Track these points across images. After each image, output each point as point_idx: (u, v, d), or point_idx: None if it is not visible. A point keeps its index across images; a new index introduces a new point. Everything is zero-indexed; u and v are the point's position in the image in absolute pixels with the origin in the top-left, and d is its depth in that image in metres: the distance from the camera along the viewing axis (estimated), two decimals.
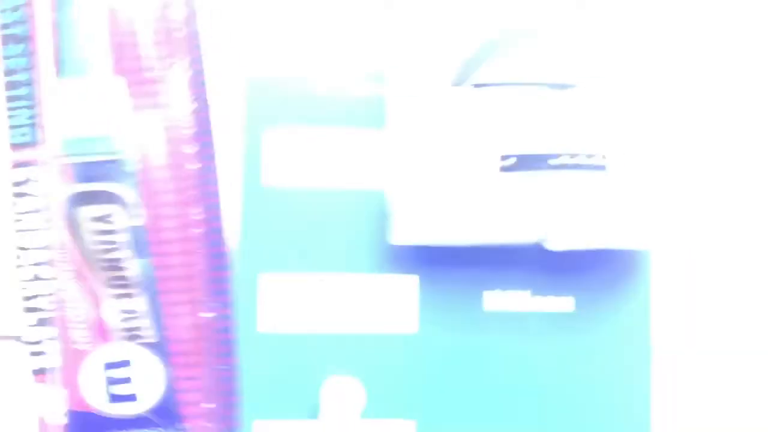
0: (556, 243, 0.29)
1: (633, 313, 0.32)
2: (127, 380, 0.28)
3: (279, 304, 0.30)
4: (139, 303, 0.28)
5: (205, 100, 0.30)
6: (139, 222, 0.28)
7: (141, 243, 0.28)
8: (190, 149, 0.30)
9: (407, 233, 0.29)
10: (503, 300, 0.31)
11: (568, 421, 0.31)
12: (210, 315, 0.30)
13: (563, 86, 0.29)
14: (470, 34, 0.29)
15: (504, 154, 0.28)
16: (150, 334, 0.28)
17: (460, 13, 0.29)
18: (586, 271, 0.31)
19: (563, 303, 0.31)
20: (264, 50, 0.31)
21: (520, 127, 0.29)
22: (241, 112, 0.30)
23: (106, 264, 0.28)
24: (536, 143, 0.29)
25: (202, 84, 0.30)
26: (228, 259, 0.30)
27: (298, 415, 0.30)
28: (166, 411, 0.28)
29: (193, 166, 0.30)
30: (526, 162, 0.28)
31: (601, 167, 0.28)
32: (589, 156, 0.28)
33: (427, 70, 0.29)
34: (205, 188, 0.30)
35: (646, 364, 0.31)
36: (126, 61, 0.29)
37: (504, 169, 0.28)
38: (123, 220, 0.28)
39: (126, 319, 0.28)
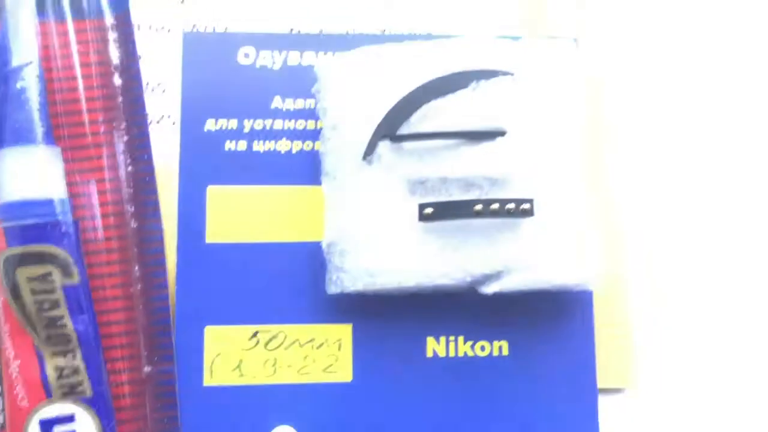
0: (487, 287, 0.31)
1: (574, 353, 0.32)
2: None
3: (223, 357, 0.31)
4: (79, 360, 0.29)
5: (146, 161, 0.31)
6: (78, 281, 0.29)
7: (80, 301, 0.29)
8: (130, 208, 0.31)
9: (340, 283, 0.30)
10: (439, 346, 0.32)
11: None
12: (152, 369, 0.30)
13: (489, 134, 0.30)
14: (397, 85, 0.30)
15: (422, 203, 0.29)
16: (90, 390, 0.29)
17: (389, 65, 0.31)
18: (521, 313, 0.32)
19: (497, 347, 0.32)
20: (202, 110, 0.33)
21: (443, 176, 0.30)
22: (183, 173, 0.32)
23: (45, 322, 0.28)
24: (460, 191, 0.30)
25: (142, 146, 0.31)
26: (169, 314, 0.31)
27: None
28: None
29: (134, 224, 0.31)
30: (448, 210, 0.29)
31: (529, 213, 0.30)
32: (516, 203, 0.29)
33: (355, 121, 0.30)
34: (145, 245, 0.31)
35: (593, 403, 0.32)
36: (66, 127, 0.30)
37: (423, 218, 0.29)
38: (61, 279, 0.28)
39: (66, 376, 0.28)
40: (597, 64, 0.35)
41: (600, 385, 0.32)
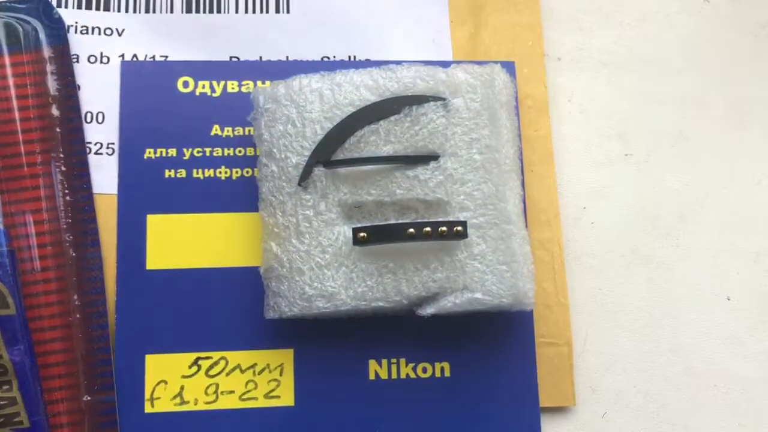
0: (424, 310, 0.31)
1: (516, 373, 0.32)
2: None
3: (164, 385, 0.32)
4: (15, 390, 0.29)
5: (85, 190, 0.32)
6: (14, 311, 0.29)
7: (15, 331, 0.29)
8: (69, 238, 0.31)
9: (278, 307, 0.31)
10: (381, 369, 0.33)
11: None
12: (92, 398, 0.31)
13: (422, 159, 0.31)
14: (330, 112, 0.31)
15: (356, 227, 0.30)
16: (27, 421, 0.29)
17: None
18: (462, 334, 0.32)
19: (439, 368, 0.33)
20: (141, 138, 0.34)
21: (378, 200, 0.31)
22: (121, 202, 0.33)
23: None
24: (396, 215, 0.31)
25: (81, 176, 0.32)
26: (109, 343, 0.31)
27: None
28: None
29: (72, 253, 0.32)
30: (381, 234, 0.30)
31: (462, 235, 0.30)
32: (449, 226, 0.30)
33: (290, 147, 0.31)
34: (84, 274, 0.31)
35: (536, 423, 0.32)
36: (1, 159, 0.31)
37: (357, 242, 0.30)
38: None
39: (2, 407, 0.29)
40: (539, 85, 0.36)
41: (542, 403, 0.33)
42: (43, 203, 0.31)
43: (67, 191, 0.32)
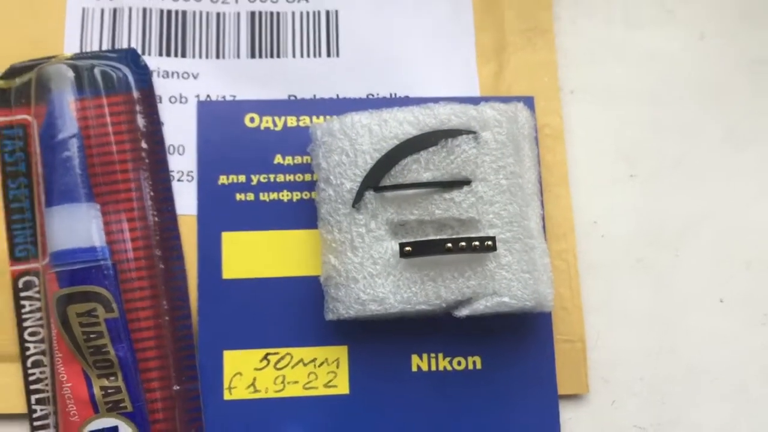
0: (460, 312, 0.37)
1: (537, 365, 0.38)
2: None
3: (239, 376, 0.38)
4: (120, 381, 0.35)
5: (170, 212, 0.38)
6: (117, 315, 0.35)
7: (119, 331, 0.35)
8: (158, 252, 0.37)
9: (336, 310, 0.36)
10: (422, 362, 0.38)
11: None
12: (180, 387, 0.37)
13: (457, 184, 0.36)
14: (378, 144, 0.36)
15: (402, 242, 0.35)
16: (130, 406, 0.35)
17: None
18: (491, 332, 0.38)
19: (471, 362, 0.39)
20: (215, 167, 0.40)
21: (419, 219, 0.36)
22: (201, 221, 0.39)
23: (91, 350, 0.34)
24: (435, 231, 0.37)
25: (166, 199, 0.38)
26: (193, 341, 0.37)
27: None
28: None
29: (161, 266, 0.37)
30: (423, 248, 0.35)
31: (492, 248, 0.36)
32: (480, 240, 0.36)
33: (344, 175, 0.37)
34: (171, 283, 0.37)
35: (555, 409, 0.38)
36: (104, 185, 0.37)
37: (403, 255, 0.35)
38: (104, 313, 0.34)
39: (110, 394, 0.34)
40: (555, 116, 0.42)
41: (560, 391, 0.38)
42: (137, 223, 0.37)
43: (155, 213, 0.38)
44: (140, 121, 0.38)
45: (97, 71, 0.38)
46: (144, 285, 0.37)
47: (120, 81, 0.38)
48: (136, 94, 0.38)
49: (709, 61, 0.43)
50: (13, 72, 0.38)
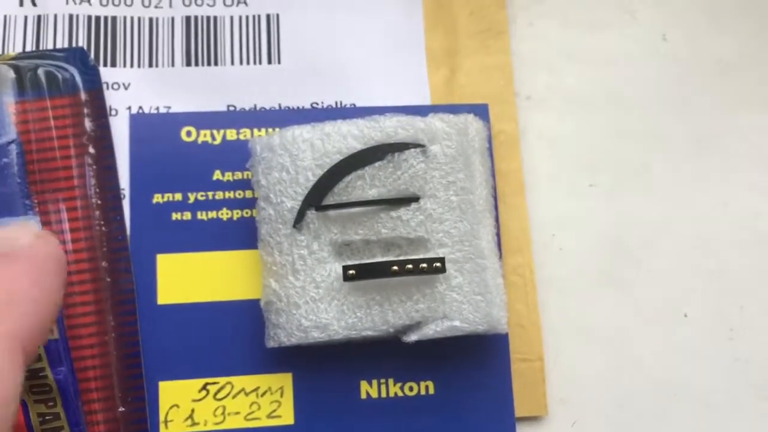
0: (408, 337, 0.36)
1: (493, 388, 0.37)
2: None
3: (176, 408, 0.37)
4: (59, 406, 0.33)
5: (118, 222, 0.37)
6: (57, 336, 0.34)
7: (59, 354, 0.33)
8: (104, 265, 0.36)
9: (277, 337, 0.35)
10: (372, 388, 0.37)
11: None
12: (126, 409, 0.35)
13: (404, 201, 0.36)
14: (320, 160, 0.35)
15: (345, 265, 0.34)
16: None
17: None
18: (445, 355, 0.37)
19: (424, 386, 0.38)
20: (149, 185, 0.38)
21: (365, 239, 0.35)
22: (134, 243, 0.37)
23: (28, 375, 0.32)
24: (382, 251, 0.36)
25: (114, 208, 0.37)
26: (140, 359, 0.36)
27: None
28: None
29: (108, 279, 0.36)
30: (368, 271, 0.34)
31: (441, 270, 0.35)
32: (428, 262, 0.35)
33: (285, 193, 0.36)
34: (118, 297, 0.36)
35: (512, 430, 0.37)
36: (45, 193, 0.36)
37: (347, 278, 0.34)
38: None
39: (48, 421, 0.33)
40: (511, 122, 0.41)
41: (517, 414, 0.37)
42: (81, 233, 0.36)
43: (102, 222, 0.36)
44: (88, 125, 0.37)
45: (41, 71, 0.37)
46: (88, 299, 0.36)
47: (66, 82, 0.37)
48: (83, 95, 0.37)
49: (672, 64, 0.42)
50: None
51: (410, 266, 0.34)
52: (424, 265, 0.34)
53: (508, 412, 0.37)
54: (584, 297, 0.40)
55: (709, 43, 0.42)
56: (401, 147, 0.36)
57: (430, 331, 0.35)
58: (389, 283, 0.35)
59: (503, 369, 0.38)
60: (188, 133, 0.38)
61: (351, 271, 0.34)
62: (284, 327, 0.35)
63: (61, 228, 0.36)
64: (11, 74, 0.36)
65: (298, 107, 0.39)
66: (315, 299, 0.35)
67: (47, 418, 0.34)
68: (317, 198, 0.35)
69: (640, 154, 0.41)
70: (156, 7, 0.39)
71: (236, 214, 0.38)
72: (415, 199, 0.35)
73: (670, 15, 0.43)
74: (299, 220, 0.35)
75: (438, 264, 0.34)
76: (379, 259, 0.35)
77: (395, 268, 0.34)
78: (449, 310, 0.35)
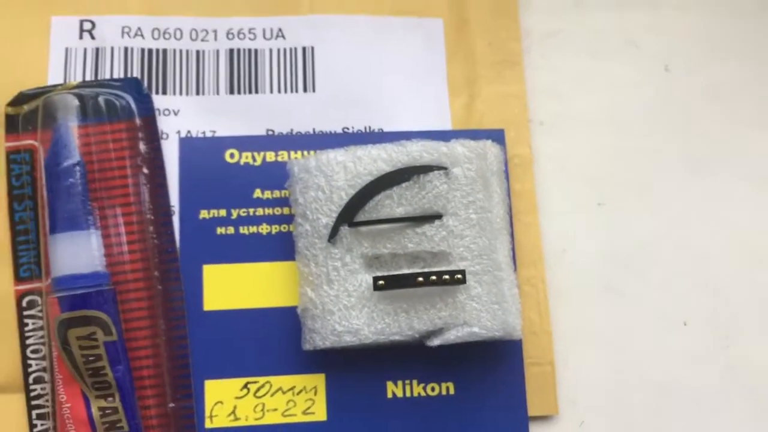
0: (431, 341, 0.40)
1: (508, 389, 0.41)
2: None
3: (220, 405, 0.41)
4: (117, 401, 0.38)
5: (169, 235, 0.41)
6: (116, 337, 0.38)
7: (117, 354, 0.38)
8: (157, 274, 0.40)
9: (313, 341, 0.39)
10: (397, 388, 0.41)
11: None
12: (175, 405, 0.40)
13: (428, 218, 0.39)
14: (353, 181, 0.39)
15: (375, 276, 0.38)
16: (126, 425, 0.38)
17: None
18: (464, 359, 0.41)
19: (445, 387, 0.42)
20: (197, 202, 0.42)
21: (393, 252, 0.39)
22: (183, 254, 0.42)
23: (90, 372, 0.37)
24: (408, 264, 0.40)
25: (166, 223, 0.41)
26: (189, 360, 0.40)
27: None
28: None
29: (159, 287, 0.40)
30: (396, 281, 0.38)
31: (462, 281, 0.39)
32: (450, 274, 0.39)
33: (320, 210, 0.40)
34: (169, 304, 0.40)
35: (525, 429, 0.41)
36: (105, 210, 0.40)
37: (377, 288, 0.38)
38: (103, 337, 0.37)
39: (107, 415, 0.38)
40: (525, 146, 0.45)
41: (530, 413, 0.42)
42: (137, 245, 0.40)
43: (155, 236, 0.41)
44: (142, 147, 0.41)
45: (101, 99, 0.41)
46: (142, 306, 0.40)
47: (123, 109, 0.41)
48: (138, 121, 0.41)
49: (673, 92, 0.46)
50: (22, 99, 0.42)
51: (434, 277, 0.38)
52: (447, 276, 0.38)
53: (522, 411, 0.41)
54: (592, 306, 0.44)
55: (707, 71, 0.47)
56: (426, 169, 0.40)
57: (452, 336, 0.39)
58: (415, 292, 0.39)
59: (517, 372, 0.42)
60: (232, 155, 0.43)
61: (381, 282, 0.38)
62: (319, 332, 0.39)
63: (119, 240, 0.40)
64: (75, 102, 0.40)
65: (330, 131, 0.44)
66: (347, 307, 0.39)
67: (107, 411, 0.38)
68: (350, 215, 0.39)
69: (643, 174, 0.45)
70: (203, 40, 0.44)
71: (275, 228, 0.42)
72: (438, 216, 0.39)
73: (672, 47, 0.47)
74: (333, 235, 0.39)
75: (459, 276, 0.39)
76: (405, 270, 0.39)
77: (420, 279, 0.38)
78: (469, 318, 0.39)
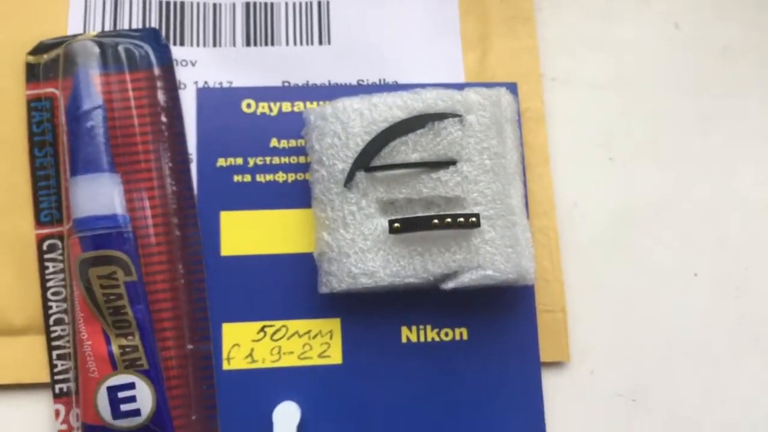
0: (446, 285, 0.41)
1: (520, 335, 0.42)
2: (130, 400, 0.39)
3: (237, 347, 0.42)
4: (137, 340, 0.39)
5: (187, 182, 0.42)
6: (135, 278, 0.39)
7: (137, 294, 0.39)
8: (175, 220, 0.42)
9: (329, 284, 0.41)
10: (411, 333, 0.42)
11: (474, 426, 0.41)
12: (193, 347, 0.41)
13: (443, 164, 0.41)
14: (368, 127, 0.41)
15: (391, 219, 0.40)
16: (146, 363, 0.39)
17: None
18: (477, 304, 0.42)
19: (458, 333, 0.43)
20: (214, 150, 0.44)
21: (408, 197, 0.40)
22: (200, 201, 0.43)
23: (111, 311, 0.39)
24: (422, 209, 0.41)
25: (184, 170, 0.42)
26: (206, 304, 0.41)
27: None
28: (161, 423, 0.39)
29: (177, 232, 0.42)
30: (411, 224, 0.39)
31: (476, 224, 0.40)
32: (465, 217, 0.40)
33: (336, 156, 0.41)
34: (187, 249, 0.42)
35: (537, 375, 0.42)
36: (125, 156, 0.41)
37: (392, 231, 0.40)
38: (123, 276, 0.39)
39: (127, 353, 0.39)
40: (537, 100, 0.46)
41: (542, 359, 0.43)
42: (155, 192, 0.42)
43: (173, 183, 0.42)
44: (160, 97, 0.43)
45: (121, 48, 0.43)
46: (161, 250, 0.42)
47: (142, 58, 0.43)
48: (157, 70, 0.43)
49: (683, 50, 0.48)
50: (42, 48, 0.43)
51: (449, 220, 0.40)
52: (461, 219, 0.40)
53: (534, 357, 0.43)
54: (602, 258, 0.45)
55: (717, 31, 0.48)
56: (440, 117, 0.41)
57: (466, 279, 0.40)
58: (430, 235, 0.40)
59: (530, 318, 0.43)
60: (248, 105, 0.44)
61: (396, 224, 0.40)
62: (336, 274, 0.40)
63: (138, 186, 0.41)
64: (96, 49, 0.42)
65: (345, 84, 0.45)
66: (363, 250, 0.40)
67: (127, 349, 0.39)
68: (365, 161, 0.41)
69: (653, 130, 0.47)
70: None
71: (290, 177, 0.43)
72: (453, 162, 0.41)
73: (682, 5, 0.48)
74: (349, 180, 0.41)
75: (473, 219, 0.40)
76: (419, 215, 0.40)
77: (436, 221, 0.40)
78: (483, 261, 0.40)
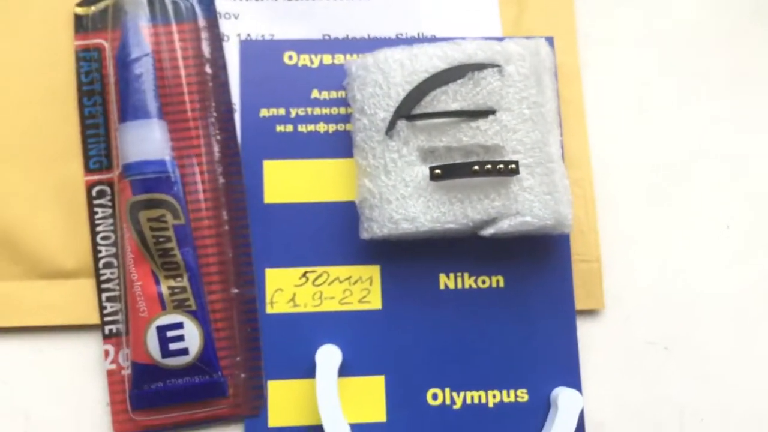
0: (485, 231, 0.43)
1: (556, 283, 0.44)
2: (178, 339, 0.40)
3: (280, 292, 0.44)
4: (185, 281, 0.41)
5: (230, 131, 0.44)
6: (184, 221, 0.41)
7: (185, 237, 0.41)
8: (219, 168, 0.43)
9: (371, 229, 0.42)
10: (449, 280, 0.44)
11: (509, 372, 0.43)
12: (238, 291, 0.43)
13: (482, 113, 0.42)
14: (409, 77, 0.42)
15: (432, 166, 0.41)
16: (194, 304, 0.41)
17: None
18: (514, 252, 0.44)
19: (495, 280, 0.45)
20: (257, 101, 0.45)
21: (448, 145, 0.42)
22: (244, 150, 0.45)
23: (160, 253, 0.41)
24: (461, 157, 0.43)
25: (228, 120, 0.44)
26: (250, 249, 0.43)
27: (300, 375, 0.43)
28: (208, 362, 0.41)
29: (222, 180, 0.43)
30: (452, 171, 0.41)
31: (515, 171, 0.42)
32: (504, 164, 0.42)
33: (378, 105, 0.43)
34: (231, 196, 0.43)
35: (572, 323, 0.44)
36: (171, 105, 0.43)
37: (433, 177, 0.41)
38: (172, 220, 0.41)
39: (176, 293, 0.41)
40: (572, 55, 0.47)
41: (577, 307, 0.44)
42: (201, 140, 0.44)
43: (217, 132, 0.44)
44: (205, 48, 0.45)
45: (167, 0, 0.45)
46: (207, 197, 0.43)
47: (188, 10, 0.45)
48: (201, 22, 0.45)
49: (715, 10, 0.49)
50: (90, 0, 0.45)
51: (489, 167, 0.41)
52: (501, 166, 0.41)
53: (569, 305, 0.44)
54: (636, 210, 0.47)
55: None
56: (480, 67, 0.42)
57: (505, 225, 0.42)
58: (469, 182, 0.42)
59: (565, 267, 0.45)
60: (290, 57, 0.45)
61: (437, 171, 0.41)
62: (377, 220, 0.42)
63: (184, 135, 0.43)
64: (144, 0, 0.43)
65: (384, 37, 0.46)
66: (404, 196, 0.42)
67: (176, 290, 0.41)
68: (407, 109, 0.42)
69: (687, 87, 0.48)
70: None
71: (331, 127, 0.45)
72: (492, 111, 0.42)
73: None
74: (391, 128, 0.42)
75: (513, 166, 0.41)
76: (457, 162, 0.42)
77: (476, 168, 0.41)
78: (521, 208, 0.42)
